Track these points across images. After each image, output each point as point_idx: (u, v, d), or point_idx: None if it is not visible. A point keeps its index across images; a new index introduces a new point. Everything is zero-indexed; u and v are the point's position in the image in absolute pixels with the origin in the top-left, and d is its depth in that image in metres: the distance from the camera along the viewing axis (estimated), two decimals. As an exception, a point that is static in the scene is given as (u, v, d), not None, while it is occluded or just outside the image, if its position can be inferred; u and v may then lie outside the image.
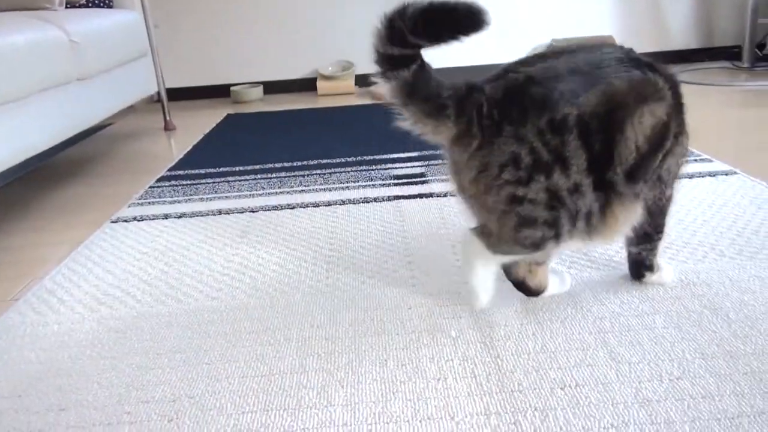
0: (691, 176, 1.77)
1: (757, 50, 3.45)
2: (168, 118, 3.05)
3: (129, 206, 1.89)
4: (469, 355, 1.02)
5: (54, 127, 1.96)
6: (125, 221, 1.76)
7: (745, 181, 1.71)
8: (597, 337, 1.04)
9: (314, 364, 1.02)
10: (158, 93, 3.04)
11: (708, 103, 2.77)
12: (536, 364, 0.98)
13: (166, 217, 1.77)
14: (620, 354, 0.99)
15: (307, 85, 3.79)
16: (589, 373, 0.95)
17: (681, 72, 3.39)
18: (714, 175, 1.77)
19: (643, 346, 1.01)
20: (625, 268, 1.22)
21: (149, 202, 1.91)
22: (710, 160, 1.91)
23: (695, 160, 1.91)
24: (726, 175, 1.77)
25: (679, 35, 3.80)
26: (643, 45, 3.74)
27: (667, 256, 1.30)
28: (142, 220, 1.76)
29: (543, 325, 1.08)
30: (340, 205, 1.77)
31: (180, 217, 1.76)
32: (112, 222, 1.76)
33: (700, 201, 1.59)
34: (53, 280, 1.41)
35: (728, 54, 3.63)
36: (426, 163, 2.11)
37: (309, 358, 1.04)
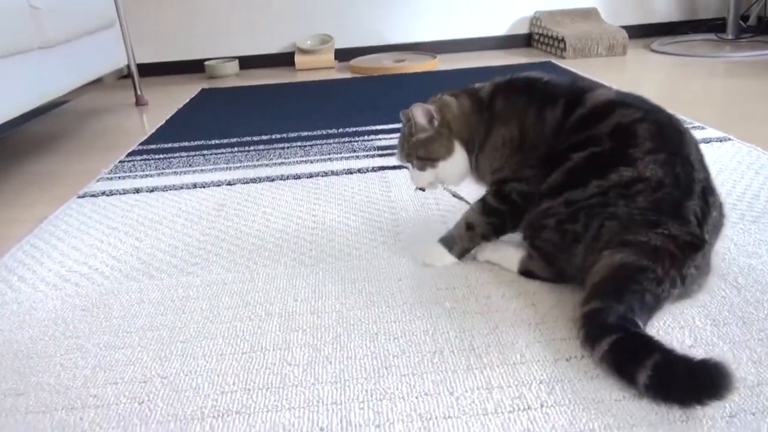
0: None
1: (741, 22, 3.41)
2: (139, 92, 2.91)
3: (98, 181, 1.78)
4: (466, 326, 0.95)
5: (14, 97, 1.83)
6: (93, 196, 1.65)
7: (740, 147, 1.66)
8: (601, 305, 0.98)
9: (299, 340, 0.94)
10: (128, 67, 2.90)
11: (693, 74, 2.73)
12: (538, 335, 0.91)
13: (137, 191, 1.66)
14: (627, 322, 0.93)
15: (285, 59, 3.66)
16: (595, 342, 0.89)
17: (665, 44, 3.35)
18: (708, 142, 1.72)
19: (651, 314, 0.94)
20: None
21: (119, 177, 1.80)
22: (702, 127, 1.86)
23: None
24: (720, 141, 1.72)
25: (663, 8, 3.74)
26: (626, 18, 3.68)
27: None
28: (112, 194, 1.65)
29: (542, 296, 1.02)
30: (323, 176, 1.68)
31: (152, 191, 1.66)
32: (79, 197, 1.65)
33: (697, 167, 1.53)
34: (14, 258, 1.30)
35: (712, 26, 3.58)
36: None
37: (293, 333, 0.96)
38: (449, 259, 1.14)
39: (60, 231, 1.43)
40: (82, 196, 1.65)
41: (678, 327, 0.91)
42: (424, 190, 1.20)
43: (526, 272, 1.07)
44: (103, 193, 1.66)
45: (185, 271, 1.19)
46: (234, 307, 1.05)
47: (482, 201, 1.12)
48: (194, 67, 3.63)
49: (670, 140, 0.95)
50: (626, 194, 0.91)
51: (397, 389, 0.82)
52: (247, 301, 1.07)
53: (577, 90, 1.06)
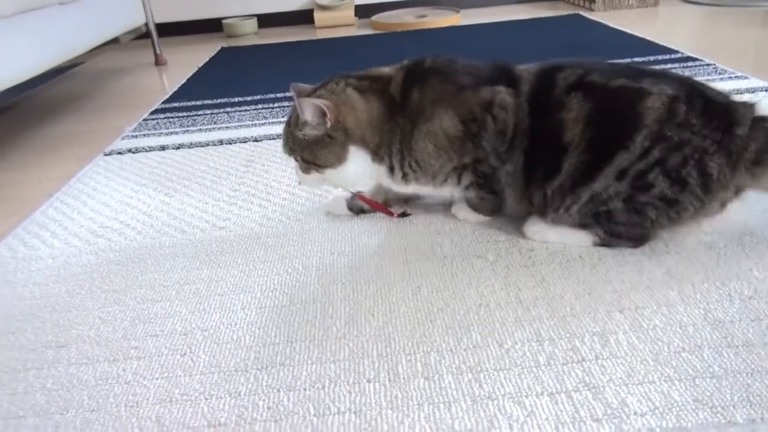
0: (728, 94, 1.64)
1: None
2: (159, 52, 2.87)
3: (123, 139, 1.75)
4: (511, 279, 0.92)
5: (35, 55, 1.80)
6: (119, 153, 1.63)
7: (788, 97, 1.59)
8: (651, 257, 0.94)
9: (339, 293, 0.92)
10: (146, 25, 2.84)
11: (729, 24, 2.61)
12: (587, 288, 0.88)
13: (163, 148, 1.64)
14: (680, 274, 0.89)
15: (304, 17, 3.57)
16: (648, 295, 0.85)
17: (700, -5, 3.20)
18: (753, 92, 1.64)
19: (705, 265, 0.90)
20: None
21: (144, 134, 1.77)
22: (746, 77, 1.77)
23: (730, 78, 1.77)
24: (766, 91, 1.64)
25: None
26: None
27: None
28: (138, 152, 1.63)
29: (589, 249, 0.98)
30: (351, 132, 1.63)
31: (178, 148, 1.63)
32: (105, 155, 1.63)
33: (743, 118, 1.46)
34: (45, 214, 1.29)
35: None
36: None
37: (332, 286, 0.94)
38: (481, 218, 1.08)
39: (89, 188, 1.41)
40: (109, 154, 1.63)
41: (735, 279, 0.87)
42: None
43: (607, 245, 0.97)
44: (129, 151, 1.64)
45: (217, 226, 1.17)
46: (269, 260, 1.03)
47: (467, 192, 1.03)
48: (212, 26, 3.57)
49: (627, 69, 0.94)
50: (676, 128, 0.86)
51: (444, 342, 0.79)
52: (283, 255, 1.04)
53: (506, 68, 0.98)
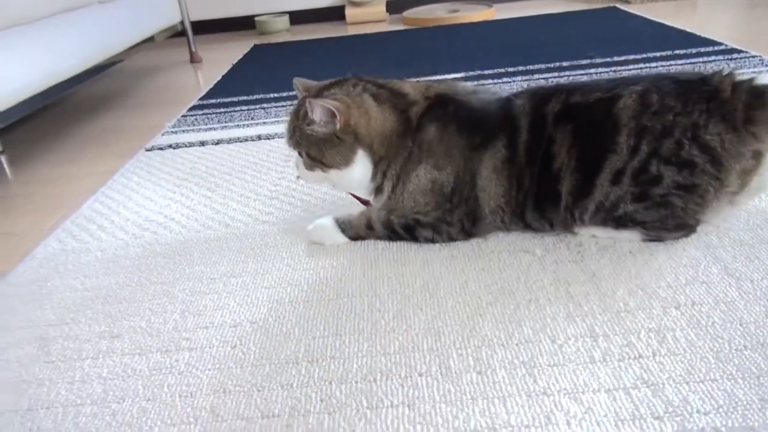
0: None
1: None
2: (194, 49, 2.90)
3: (163, 135, 1.78)
4: (560, 274, 0.90)
5: (76, 52, 1.84)
6: (160, 149, 1.65)
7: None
8: (706, 252, 0.92)
9: (385, 287, 0.92)
10: (182, 23, 2.88)
11: (778, 15, 2.53)
12: (641, 283, 0.86)
13: (202, 144, 1.66)
14: (737, 270, 0.87)
15: (335, 13, 3.58)
16: (705, 291, 0.83)
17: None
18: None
19: (764, 262, 0.88)
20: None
21: (183, 131, 1.79)
22: (795, 70, 1.72)
23: (778, 71, 1.72)
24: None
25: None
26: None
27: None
28: (178, 147, 1.65)
29: (640, 245, 0.96)
30: (389, 127, 1.63)
31: (217, 143, 1.65)
32: (147, 150, 1.65)
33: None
34: (91, 208, 1.31)
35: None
36: (474, 82, 1.95)
37: (378, 281, 0.94)
38: (341, 239, 1.04)
39: (132, 183, 1.44)
40: (150, 150, 1.66)
41: None
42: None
43: (656, 239, 0.95)
44: (170, 146, 1.66)
45: (260, 220, 1.18)
46: (314, 254, 1.03)
47: (388, 221, 1.01)
48: (245, 24, 3.60)
49: (604, 81, 0.95)
50: (654, 117, 0.87)
51: (495, 336, 0.79)
52: (327, 249, 1.04)
53: (508, 110, 0.96)
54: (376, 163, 0.98)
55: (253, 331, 0.85)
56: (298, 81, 1.05)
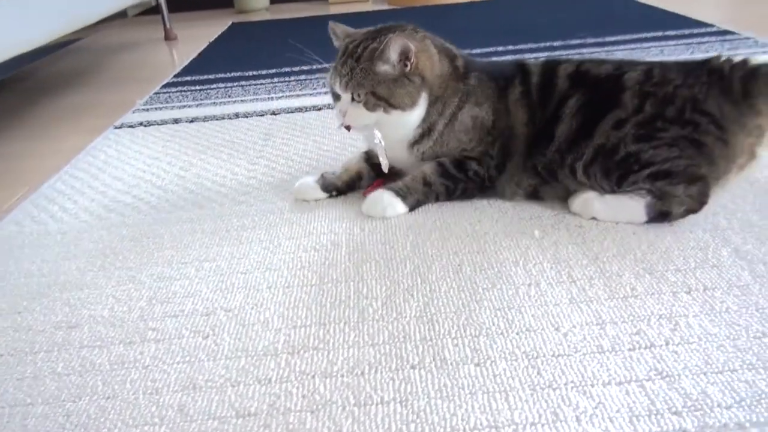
0: None
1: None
2: (168, 27, 2.78)
3: (134, 112, 1.68)
4: (561, 257, 0.84)
5: (40, 24, 1.72)
6: (131, 126, 1.55)
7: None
8: (714, 234, 0.86)
9: (373, 272, 0.84)
10: (155, -1, 2.75)
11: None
12: (647, 266, 0.80)
13: (176, 121, 1.56)
14: (749, 253, 0.81)
15: (317, -8, 3.47)
16: (716, 274, 0.77)
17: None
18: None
19: (776, 243, 0.82)
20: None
21: (156, 108, 1.69)
22: (791, 50, 1.67)
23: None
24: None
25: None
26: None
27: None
28: (150, 125, 1.55)
29: (644, 225, 0.90)
30: (374, 105, 1.55)
31: (192, 121, 1.55)
32: (116, 128, 1.55)
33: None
34: (53, 188, 1.22)
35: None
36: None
37: (365, 264, 0.86)
38: (401, 208, 0.99)
39: (99, 161, 1.34)
40: (119, 127, 1.56)
41: None
42: (349, 129, 0.99)
43: (659, 215, 0.88)
44: (141, 124, 1.56)
45: (237, 201, 1.10)
46: (295, 236, 0.95)
47: (440, 165, 1.00)
48: (223, 2, 3.47)
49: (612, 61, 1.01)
50: (656, 86, 0.91)
51: (494, 324, 0.72)
52: (309, 231, 0.97)
53: (518, 65, 1.04)
54: (432, 104, 0.99)
55: (228, 319, 0.77)
56: (335, 26, 1.04)
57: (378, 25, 1.02)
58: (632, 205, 0.89)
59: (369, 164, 1.09)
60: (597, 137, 0.91)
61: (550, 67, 1.00)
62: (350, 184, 1.07)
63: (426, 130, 1.00)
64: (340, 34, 1.04)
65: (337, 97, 1.00)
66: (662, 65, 0.95)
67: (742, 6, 2.44)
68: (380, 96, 0.95)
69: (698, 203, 0.87)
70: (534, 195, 1.00)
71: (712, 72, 0.91)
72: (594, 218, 0.92)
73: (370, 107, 0.96)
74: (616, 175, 0.90)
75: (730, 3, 2.54)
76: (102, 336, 0.76)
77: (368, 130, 1.00)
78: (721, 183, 0.90)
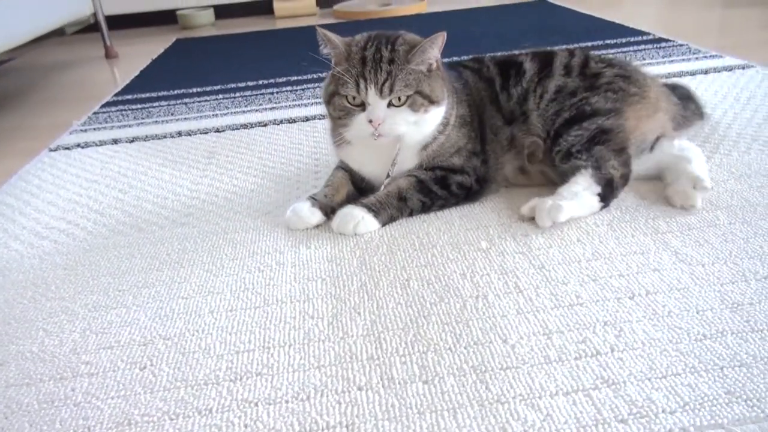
0: (706, 71, 1.60)
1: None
2: (108, 44, 2.70)
3: (70, 133, 1.61)
4: (508, 267, 0.84)
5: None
6: (66, 149, 1.49)
7: (766, 73, 1.55)
8: (655, 238, 0.87)
9: (319, 290, 0.82)
10: (95, 16, 2.67)
11: (691, 3, 2.61)
12: (592, 273, 0.81)
13: (115, 142, 1.51)
14: (688, 255, 0.83)
15: (263, 7, 3.44)
16: (658, 278, 0.79)
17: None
18: (730, 70, 1.61)
19: (713, 245, 0.84)
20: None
21: (94, 128, 1.63)
22: (720, 56, 1.74)
23: (705, 57, 1.74)
24: (743, 69, 1.61)
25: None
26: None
27: (707, 149, 1.13)
28: (88, 146, 1.49)
29: (587, 230, 0.91)
30: (320, 119, 1.53)
31: (132, 141, 1.50)
32: (51, 150, 1.49)
33: (724, 95, 1.42)
34: (-19, 216, 1.15)
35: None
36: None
37: (311, 283, 0.84)
38: (373, 224, 0.96)
39: (32, 186, 1.28)
40: (55, 150, 1.49)
41: (747, 258, 0.81)
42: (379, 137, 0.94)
43: (606, 185, 0.94)
44: (78, 146, 1.50)
45: (179, 222, 1.06)
46: (239, 257, 0.93)
47: (419, 181, 0.99)
48: (166, 19, 3.40)
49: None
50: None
51: (442, 339, 0.71)
52: (253, 251, 0.94)
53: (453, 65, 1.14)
54: (448, 98, 1.01)
55: (166, 348, 0.73)
56: (327, 33, 1.01)
57: (372, 32, 1.01)
58: (586, 196, 0.94)
59: (350, 179, 1.05)
60: (557, 78, 1.05)
61: (479, 59, 1.13)
62: (342, 205, 0.99)
63: (442, 127, 1.00)
64: (337, 41, 0.99)
65: (356, 108, 0.95)
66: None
67: (674, 16, 2.55)
68: (425, 94, 0.94)
69: (628, 169, 0.97)
70: (521, 171, 1.06)
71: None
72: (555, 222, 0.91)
73: (416, 107, 0.94)
74: (571, 128, 1.00)
75: (664, 14, 2.64)
76: (30, 373, 0.71)
77: (399, 134, 0.95)
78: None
